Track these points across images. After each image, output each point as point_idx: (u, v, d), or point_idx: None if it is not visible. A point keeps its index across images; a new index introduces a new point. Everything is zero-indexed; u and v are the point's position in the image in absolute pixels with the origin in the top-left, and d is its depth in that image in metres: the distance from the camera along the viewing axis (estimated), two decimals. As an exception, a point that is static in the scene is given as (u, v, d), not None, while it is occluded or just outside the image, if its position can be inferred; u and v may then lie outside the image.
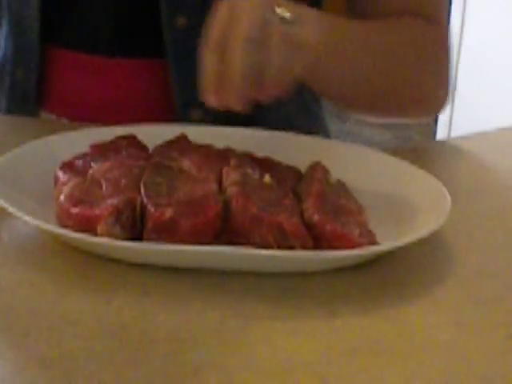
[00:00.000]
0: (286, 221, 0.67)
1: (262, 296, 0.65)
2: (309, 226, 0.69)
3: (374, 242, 0.69)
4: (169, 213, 0.67)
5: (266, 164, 0.79)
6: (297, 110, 1.01)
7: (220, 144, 0.82)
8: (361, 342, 0.60)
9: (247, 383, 0.55)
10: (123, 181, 0.71)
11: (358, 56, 0.87)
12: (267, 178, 0.75)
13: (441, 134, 3.13)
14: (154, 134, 0.82)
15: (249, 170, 0.75)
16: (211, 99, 0.75)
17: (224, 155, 0.79)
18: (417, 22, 0.92)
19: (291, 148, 0.85)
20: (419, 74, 0.92)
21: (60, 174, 0.74)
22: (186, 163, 0.76)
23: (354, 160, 0.83)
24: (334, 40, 0.84)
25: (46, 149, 0.80)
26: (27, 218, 0.67)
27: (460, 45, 2.97)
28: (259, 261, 0.67)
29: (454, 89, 2.98)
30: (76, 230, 0.67)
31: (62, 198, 0.70)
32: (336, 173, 0.78)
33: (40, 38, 0.97)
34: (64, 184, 0.72)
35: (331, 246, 0.68)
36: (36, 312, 0.61)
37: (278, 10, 0.76)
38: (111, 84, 0.97)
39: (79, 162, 0.76)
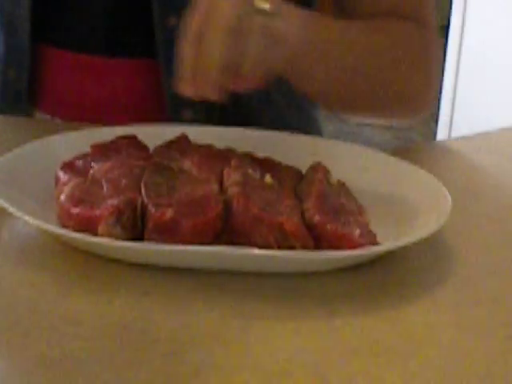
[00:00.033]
0: (287, 221, 0.67)
1: (262, 296, 0.65)
2: (309, 227, 0.69)
3: (374, 243, 0.69)
4: (169, 213, 0.67)
5: (266, 164, 0.79)
6: (289, 109, 1.01)
7: (221, 144, 0.82)
8: (361, 342, 0.60)
9: (247, 383, 0.55)
10: (124, 181, 0.71)
11: (340, 55, 0.87)
12: (268, 179, 0.75)
13: (441, 134, 3.13)
14: (154, 134, 0.82)
15: (249, 171, 0.75)
16: (187, 89, 0.76)
17: (225, 155, 0.79)
18: (403, 24, 0.92)
19: (292, 148, 0.85)
20: (404, 75, 0.92)
21: (61, 174, 0.74)
22: (187, 163, 0.76)
23: (355, 160, 0.83)
24: (315, 37, 0.84)
25: (47, 149, 0.80)
26: (28, 218, 0.67)
27: (460, 45, 2.96)
28: (260, 261, 0.67)
29: (455, 89, 2.98)
30: (76, 230, 0.67)
31: (62, 198, 0.70)
32: (336, 173, 0.78)
33: (32, 38, 0.97)
34: (65, 184, 0.72)
35: (332, 247, 0.68)
36: (36, 312, 0.61)
37: (258, 2, 0.76)
38: (104, 84, 0.97)
39: (80, 162, 0.76)
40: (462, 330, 0.63)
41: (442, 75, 3.06)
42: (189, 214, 0.67)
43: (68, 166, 0.75)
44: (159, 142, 0.81)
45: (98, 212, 0.67)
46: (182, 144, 0.81)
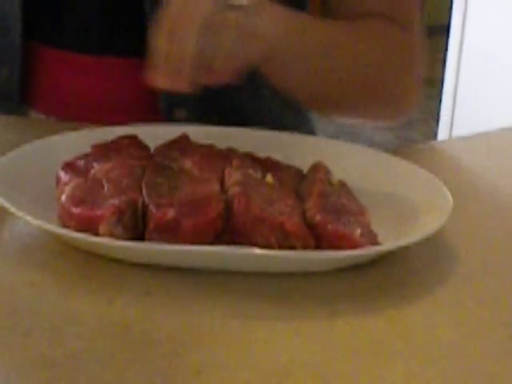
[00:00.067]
0: (288, 221, 0.67)
1: (263, 296, 0.65)
2: (310, 226, 0.69)
3: (375, 242, 0.69)
4: (171, 213, 0.67)
5: (267, 164, 0.79)
6: (282, 109, 1.01)
7: (221, 144, 0.82)
8: (362, 341, 0.60)
9: (248, 383, 0.55)
10: (125, 181, 0.72)
11: (322, 53, 0.87)
12: (269, 178, 0.75)
13: (442, 134, 3.13)
14: (155, 134, 0.82)
15: (250, 170, 0.75)
16: (159, 80, 0.76)
17: (226, 155, 0.79)
18: (386, 25, 0.92)
19: (293, 148, 0.85)
20: (386, 75, 0.92)
21: (62, 174, 0.74)
22: (188, 163, 0.76)
23: (356, 160, 0.83)
24: (294, 35, 0.84)
25: (48, 149, 0.80)
26: (29, 218, 0.67)
27: (461, 44, 2.97)
28: (261, 261, 0.67)
29: (455, 88, 2.98)
30: (78, 230, 0.67)
31: (63, 198, 0.70)
32: (337, 173, 0.78)
33: (24, 37, 0.97)
34: (66, 184, 0.72)
35: (333, 246, 0.68)
36: (37, 312, 0.62)
37: None
38: (98, 83, 0.97)
39: (81, 162, 0.76)
40: (463, 330, 0.63)
41: (443, 75, 3.07)
42: (190, 214, 0.67)
43: (69, 166, 0.75)
44: (160, 141, 0.81)
45: (99, 212, 0.67)
46: (182, 144, 0.81)
